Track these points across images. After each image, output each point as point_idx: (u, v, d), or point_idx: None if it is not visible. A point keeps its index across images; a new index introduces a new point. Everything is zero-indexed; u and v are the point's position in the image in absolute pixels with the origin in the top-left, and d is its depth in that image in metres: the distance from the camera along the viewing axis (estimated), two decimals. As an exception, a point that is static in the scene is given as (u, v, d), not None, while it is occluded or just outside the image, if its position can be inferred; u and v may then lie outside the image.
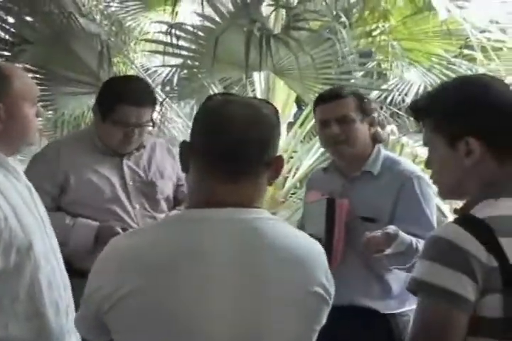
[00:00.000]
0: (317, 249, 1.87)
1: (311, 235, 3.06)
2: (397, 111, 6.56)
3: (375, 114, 3.34)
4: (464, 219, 1.79)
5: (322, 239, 3.11)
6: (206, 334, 1.69)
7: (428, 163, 1.98)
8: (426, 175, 3.14)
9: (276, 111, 1.89)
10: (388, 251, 2.94)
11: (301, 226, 3.44)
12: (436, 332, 1.70)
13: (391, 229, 2.94)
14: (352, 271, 3.15)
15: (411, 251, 2.93)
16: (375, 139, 3.31)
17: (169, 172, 3.64)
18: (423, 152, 6.32)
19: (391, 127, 6.00)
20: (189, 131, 1.87)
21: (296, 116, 6.54)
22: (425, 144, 1.99)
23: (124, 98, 3.40)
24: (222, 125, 1.77)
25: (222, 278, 1.71)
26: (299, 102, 6.63)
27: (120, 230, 3.29)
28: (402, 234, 2.94)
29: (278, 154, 1.86)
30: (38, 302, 2.43)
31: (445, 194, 2.00)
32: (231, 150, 1.75)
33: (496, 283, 1.69)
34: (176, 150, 3.54)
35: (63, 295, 2.55)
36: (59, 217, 3.26)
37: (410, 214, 3.14)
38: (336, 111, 3.24)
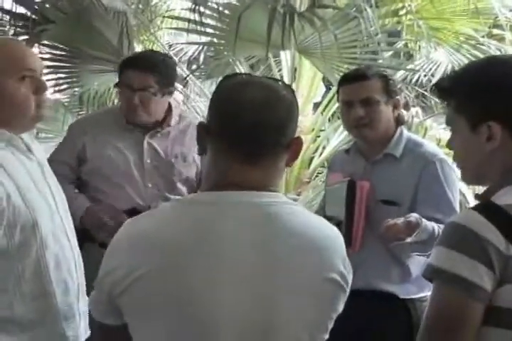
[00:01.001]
0: (335, 235, 1.82)
1: (332, 217, 3.08)
2: (424, 92, 6.49)
3: (400, 96, 3.29)
4: (484, 206, 1.75)
5: (342, 222, 3.09)
6: (216, 319, 1.66)
7: (449, 145, 1.94)
8: (449, 158, 3.09)
9: (293, 93, 1.85)
10: (409, 239, 2.90)
11: (321, 208, 3.42)
12: (450, 320, 1.67)
13: (413, 217, 2.89)
14: (371, 255, 3.12)
15: (433, 239, 2.88)
16: (398, 121, 3.26)
17: (195, 157, 3.62)
18: (447, 135, 6.26)
19: (415, 109, 5.94)
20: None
21: (323, 96, 6.50)
22: (447, 124, 1.94)
23: (129, 63, 3.64)
24: (238, 107, 1.74)
25: (234, 263, 1.68)
26: (326, 82, 6.57)
27: (107, 219, 3.39)
28: (425, 223, 2.89)
29: (297, 135, 1.81)
30: (45, 282, 2.43)
31: (466, 178, 1.96)
32: (247, 132, 1.72)
33: None
34: None
35: (74, 274, 2.54)
36: (67, 188, 3.26)
37: (432, 198, 3.10)
38: (360, 92, 3.19)
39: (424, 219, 2.90)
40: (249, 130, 1.72)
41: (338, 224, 2.96)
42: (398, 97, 3.25)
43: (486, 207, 1.74)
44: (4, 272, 2.36)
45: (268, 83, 1.86)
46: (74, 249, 2.58)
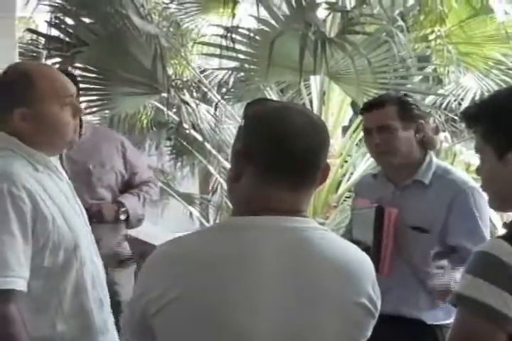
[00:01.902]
0: (364, 260, 1.84)
1: (359, 242, 3.09)
2: (453, 116, 6.48)
3: (427, 120, 3.29)
4: (510, 234, 1.76)
5: (370, 247, 3.09)
6: None
7: (478, 171, 1.95)
8: (478, 184, 3.09)
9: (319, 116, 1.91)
10: None
11: (347, 231, 3.42)
12: None
13: None
14: (400, 281, 3.11)
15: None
16: (426, 145, 3.25)
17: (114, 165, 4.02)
18: (477, 160, 6.22)
19: (444, 134, 5.93)
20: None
21: (352, 120, 6.52)
22: (476, 152, 1.95)
23: None
24: (287, 131, 1.74)
25: (270, 287, 1.70)
26: (354, 106, 6.59)
27: None
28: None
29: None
30: (84, 300, 2.48)
31: (494, 205, 1.97)
32: (298, 157, 1.73)
33: None
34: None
35: (105, 291, 2.60)
36: None
37: (463, 227, 3.09)
38: (376, 120, 3.20)
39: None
40: (300, 154, 1.73)
41: (366, 249, 2.97)
42: (421, 121, 3.23)
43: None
44: (47, 292, 2.41)
45: (301, 108, 1.90)
46: (101, 265, 2.64)
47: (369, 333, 1.82)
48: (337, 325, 1.74)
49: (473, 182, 3.18)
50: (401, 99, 3.28)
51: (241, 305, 1.68)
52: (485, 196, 2.83)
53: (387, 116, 3.17)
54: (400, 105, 3.21)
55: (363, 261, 1.83)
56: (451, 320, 3.07)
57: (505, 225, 1.88)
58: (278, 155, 1.73)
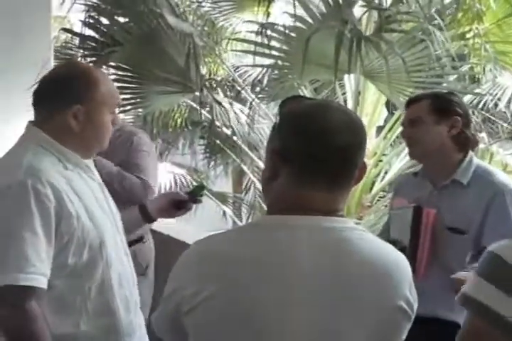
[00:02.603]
0: (402, 262, 1.80)
1: (396, 241, 3.05)
2: (490, 116, 6.41)
3: (462, 117, 3.24)
4: None
5: (406, 247, 3.06)
6: None
7: None
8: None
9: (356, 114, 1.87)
10: None
11: (384, 231, 3.39)
12: None
13: None
14: (436, 283, 3.07)
15: None
16: (464, 144, 3.21)
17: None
18: (515, 161, 6.19)
19: (481, 134, 5.87)
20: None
21: (386, 120, 6.49)
22: None
23: None
24: (327, 130, 1.70)
25: (305, 288, 1.67)
26: (389, 106, 6.55)
27: None
28: None
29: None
30: (109, 299, 2.48)
31: None
32: (338, 154, 1.70)
33: None
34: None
35: (133, 291, 2.59)
36: None
37: (500, 229, 3.04)
38: (410, 113, 3.24)
39: None
40: (338, 152, 1.70)
41: (402, 249, 2.94)
42: (457, 117, 3.19)
43: None
44: (72, 291, 2.41)
45: (338, 105, 1.87)
46: (130, 265, 2.63)
47: (404, 336, 1.78)
48: (372, 328, 1.71)
49: None
50: (437, 93, 3.31)
51: (273, 305, 1.66)
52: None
53: (420, 110, 3.19)
54: (434, 99, 3.19)
55: (401, 263, 1.79)
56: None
57: None
58: (315, 153, 1.70)
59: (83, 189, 2.47)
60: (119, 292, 2.51)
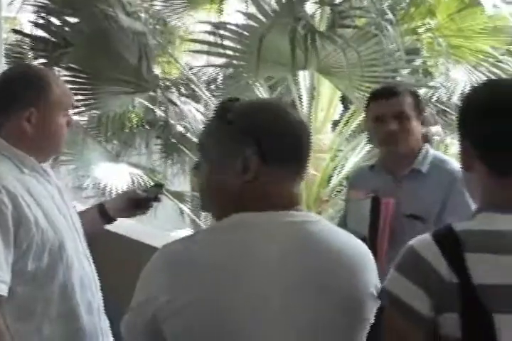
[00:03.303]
0: (366, 250, 1.86)
1: (355, 232, 3.08)
2: (445, 108, 6.48)
3: (426, 113, 3.32)
4: (439, 230, 1.72)
5: (366, 237, 3.09)
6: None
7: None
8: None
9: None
10: None
11: (341, 223, 3.41)
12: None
13: None
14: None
15: None
16: (425, 138, 3.28)
17: None
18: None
19: (436, 127, 5.93)
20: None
21: (341, 115, 6.51)
22: None
23: None
24: (286, 129, 1.76)
25: (279, 287, 1.68)
26: (344, 101, 6.59)
27: None
28: None
29: (316, 154, 1.87)
30: (72, 303, 2.46)
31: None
32: (298, 154, 1.77)
33: (455, 302, 1.60)
34: None
35: (95, 294, 2.56)
36: None
37: (459, 215, 3.09)
38: (394, 106, 3.21)
39: None
40: (301, 149, 1.76)
41: (362, 240, 2.99)
42: (426, 114, 3.27)
43: (440, 232, 1.71)
44: (34, 296, 2.38)
45: (281, 103, 1.92)
46: (92, 269, 2.61)
47: (372, 318, 1.82)
48: (347, 318, 1.74)
49: None
50: (413, 90, 3.34)
51: (248, 306, 1.66)
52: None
53: (405, 104, 3.20)
54: (413, 96, 3.23)
55: (365, 252, 1.85)
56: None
57: None
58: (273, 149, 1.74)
59: (41, 193, 2.44)
60: (82, 295, 2.49)
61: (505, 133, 1.69)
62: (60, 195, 2.57)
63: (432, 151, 3.30)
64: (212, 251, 1.69)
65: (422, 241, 1.69)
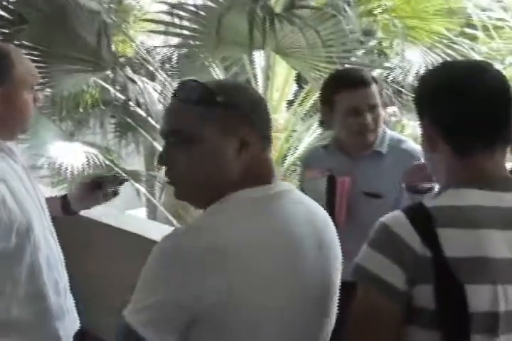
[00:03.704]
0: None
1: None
2: (400, 88, 6.55)
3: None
4: (410, 207, 1.78)
5: None
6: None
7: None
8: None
9: None
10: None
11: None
12: (368, 317, 1.72)
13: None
14: (355, 246, 3.16)
15: None
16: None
17: None
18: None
19: (393, 108, 6.00)
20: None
21: (296, 95, 6.55)
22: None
23: None
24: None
25: (304, 265, 1.77)
26: (298, 81, 6.62)
27: None
28: None
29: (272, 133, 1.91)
30: (39, 283, 2.47)
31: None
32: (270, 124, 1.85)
33: (428, 274, 1.67)
34: None
35: (62, 274, 2.58)
36: None
37: None
38: (368, 99, 3.19)
39: None
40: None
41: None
42: (383, 96, 3.31)
43: (411, 208, 1.77)
44: (2, 276, 2.39)
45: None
46: (58, 248, 2.62)
47: None
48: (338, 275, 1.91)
49: None
50: (374, 76, 3.33)
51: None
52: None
53: (376, 95, 3.21)
54: (376, 82, 3.25)
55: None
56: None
57: None
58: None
59: (7, 172, 2.44)
60: (49, 275, 2.50)
61: (460, 113, 1.76)
62: (26, 174, 2.57)
63: (388, 132, 3.35)
64: (248, 236, 1.66)
65: (395, 218, 1.74)
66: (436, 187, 2.85)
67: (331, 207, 3.21)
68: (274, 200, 1.76)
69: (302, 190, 3.51)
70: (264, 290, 1.64)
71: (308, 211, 1.87)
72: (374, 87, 3.21)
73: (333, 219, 3.12)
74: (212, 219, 1.72)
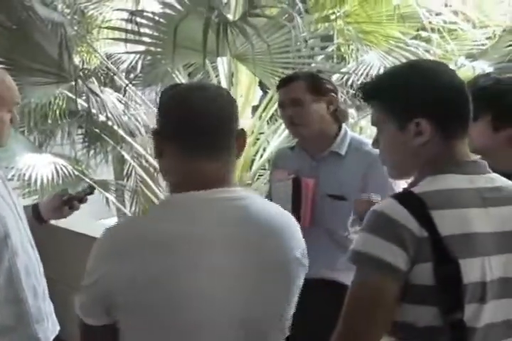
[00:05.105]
0: (292, 220, 2.07)
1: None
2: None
3: (335, 94, 3.42)
4: (400, 194, 1.92)
5: None
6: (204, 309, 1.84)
7: (375, 143, 2.10)
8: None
9: (227, 90, 2.05)
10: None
11: (267, 202, 3.54)
12: (368, 299, 1.83)
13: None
14: (319, 247, 3.23)
15: None
16: (338, 119, 3.40)
17: None
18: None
19: (350, 111, 6.08)
20: (153, 116, 1.98)
21: (261, 100, 6.62)
22: (372, 125, 2.09)
23: None
24: (189, 112, 1.89)
25: (215, 259, 1.84)
26: (262, 86, 6.69)
27: None
28: None
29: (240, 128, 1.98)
30: (17, 288, 2.54)
31: (393, 174, 2.12)
32: (206, 133, 1.88)
33: (427, 253, 1.80)
34: None
35: (40, 280, 2.65)
36: None
37: (379, 194, 3.24)
38: (289, 94, 3.38)
39: None
40: (209, 129, 1.88)
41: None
42: (333, 94, 3.38)
43: (402, 195, 1.90)
44: None
45: (206, 85, 2.13)
46: (36, 256, 2.69)
47: (301, 283, 2.02)
48: (281, 283, 1.95)
49: None
50: (312, 74, 3.46)
51: (191, 280, 1.82)
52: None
53: (298, 90, 3.34)
54: (310, 79, 3.36)
55: (292, 221, 2.06)
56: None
57: (404, 188, 2.04)
58: (189, 133, 1.88)
59: None
60: (27, 280, 2.57)
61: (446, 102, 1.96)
62: (3, 184, 2.64)
63: (350, 133, 3.44)
64: (151, 229, 1.84)
65: (389, 205, 1.86)
66: None
67: (297, 209, 3.32)
68: (207, 203, 1.88)
69: (270, 191, 3.62)
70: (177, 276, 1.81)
71: (248, 215, 1.92)
72: (299, 84, 3.36)
73: (299, 220, 3.26)
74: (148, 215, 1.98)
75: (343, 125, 3.44)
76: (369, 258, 1.82)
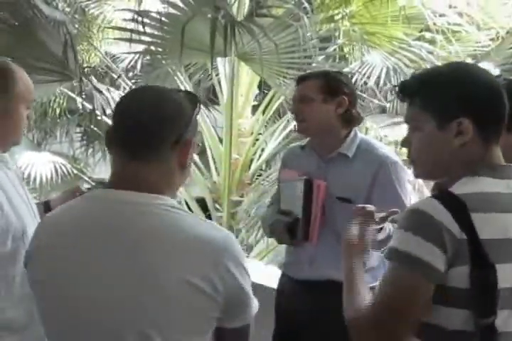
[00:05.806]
0: (215, 242, 1.77)
1: (290, 212, 3.23)
2: (360, 93, 6.63)
3: (349, 96, 3.41)
4: (441, 194, 1.88)
5: (300, 218, 3.23)
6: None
7: (406, 142, 2.03)
8: (400, 160, 3.26)
9: (193, 99, 1.92)
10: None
11: (275, 201, 3.53)
12: (401, 298, 1.79)
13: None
14: (329, 248, 3.23)
15: (388, 239, 3.02)
16: (349, 121, 3.39)
17: None
18: (387, 133, 6.43)
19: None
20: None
21: (258, 100, 6.63)
22: (406, 122, 2.04)
23: None
24: (123, 113, 1.85)
25: (103, 260, 1.79)
26: (261, 86, 6.69)
27: None
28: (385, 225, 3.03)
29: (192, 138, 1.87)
30: None
31: (423, 173, 2.08)
32: (131, 134, 1.80)
33: (464, 256, 1.79)
34: None
35: None
36: None
37: (386, 198, 3.22)
38: (302, 90, 3.36)
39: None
40: (135, 129, 1.80)
41: (295, 220, 3.19)
42: (344, 97, 3.37)
43: (443, 195, 1.87)
44: None
45: (161, 88, 1.98)
46: None
47: (211, 314, 1.79)
48: (159, 300, 1.74)
49: (395, 156, 3.34)
50: (328, 73, 3.45)
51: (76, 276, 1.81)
52: (407, 170, 3.00)
53: (310, 88, 3.32)
54: (325, 79, 3.35)
55: (211, 242, 1.77)
56: (376, 283, 3.27)
57: (435, 186, 2.04)
58: (117, 129, 1.84)
59: (3, 180, 2.50)
60: None
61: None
62: (20, 183, 2.65)
63: (360, 135, 3.40)
64: (62, 216, 1.94)
65: (429, 204, 1.84)
66: (389, 227, 3.01)
67: (307, 211, 3.28)
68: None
69: (279, 191, 3.61)
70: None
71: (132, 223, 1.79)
72: (311, 82, 3.34)
73: (309, 223, 3.26)
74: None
75: (354, 128, 3.42)
76: (407, 257, 1.79)
